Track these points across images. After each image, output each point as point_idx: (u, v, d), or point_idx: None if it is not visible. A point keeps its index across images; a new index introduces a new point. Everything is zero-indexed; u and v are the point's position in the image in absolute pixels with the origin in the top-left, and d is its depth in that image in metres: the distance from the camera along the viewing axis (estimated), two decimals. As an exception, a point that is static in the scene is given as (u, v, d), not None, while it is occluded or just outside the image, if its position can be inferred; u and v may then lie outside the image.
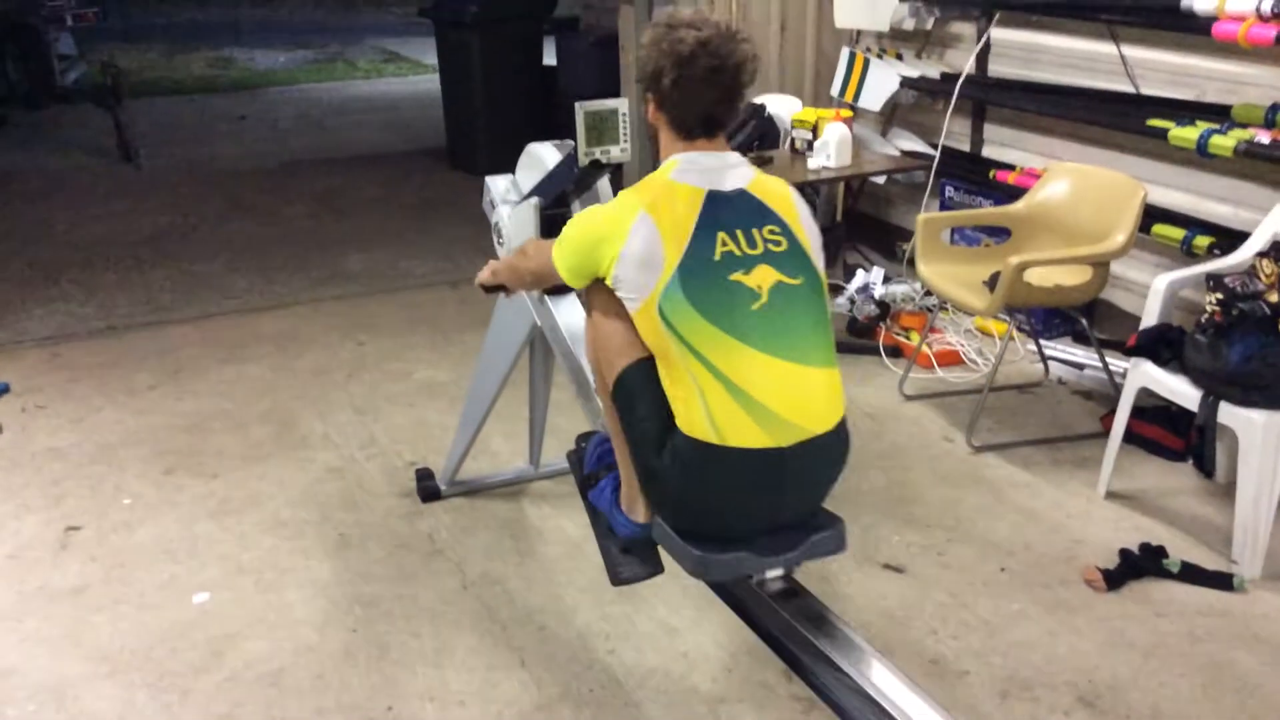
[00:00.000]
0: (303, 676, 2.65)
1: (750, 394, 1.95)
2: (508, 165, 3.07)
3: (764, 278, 2.00)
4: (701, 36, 2.01)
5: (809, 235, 2.10)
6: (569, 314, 2.82)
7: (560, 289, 2.85)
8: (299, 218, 6.84)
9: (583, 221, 2.13)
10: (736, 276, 1.98)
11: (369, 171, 7.99)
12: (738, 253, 1.99)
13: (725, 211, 2.02)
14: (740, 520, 2.07)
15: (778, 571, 2.20)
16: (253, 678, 2.65)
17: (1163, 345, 3.14)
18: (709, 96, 2.05)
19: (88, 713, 2.54)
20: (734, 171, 2.09)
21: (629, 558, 2.29)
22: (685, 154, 2.09)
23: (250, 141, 9.19)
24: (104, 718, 2.52)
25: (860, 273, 4.93)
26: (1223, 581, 2.88)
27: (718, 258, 1.98)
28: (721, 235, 1.99)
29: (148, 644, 2.78)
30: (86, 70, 9.50)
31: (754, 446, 1.96)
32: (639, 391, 2.06)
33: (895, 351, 4.40)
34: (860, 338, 4.55)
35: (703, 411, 1.96)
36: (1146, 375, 3.15)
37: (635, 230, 1.99)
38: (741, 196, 2.06)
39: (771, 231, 2.04)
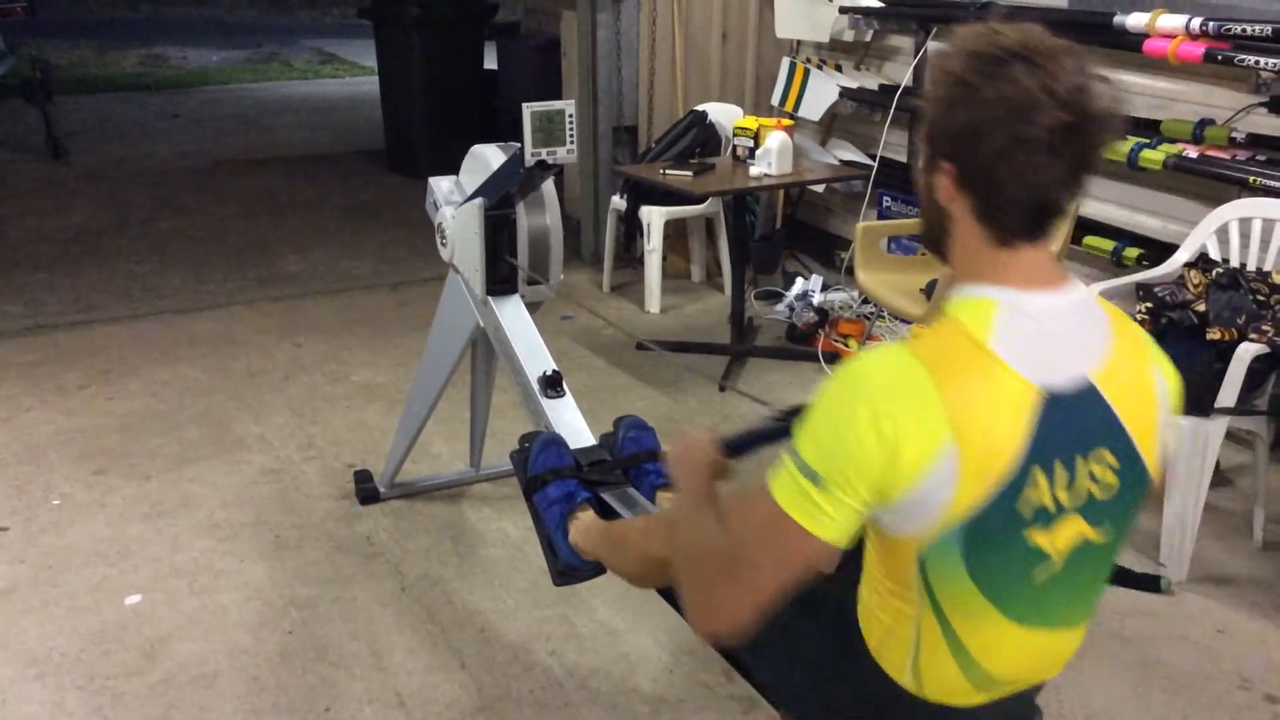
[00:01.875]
0: (238, 679, 2.61)
1: (980, 663, 1.41)
2: (448, 168, 3.07)
3: (1067, 536, 1.35)
4: (1047, 78, 1.24)
5: (1157, 443, 1.39)
6: (513, 315, 2.82)
7: (504, 287, 2.85)
8: (234, 218, 6.75)
9: (835, 433, 1.28)
10: (1036, 538, 1.33)
11: (306, 173, 7.91)
12: (1050, 505, 1.31)
13: (1058, 433, 1.29)
14: None
15: None
16: (186, 680, 2.61)
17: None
18: (1055, 174, 1.26)
19: (17, 716, 2.49)
20: (1077, 331, 1.34)
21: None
22: (1009, 291, 1.30)
23: (183, 140, 9.05)
24: (33, 721, 2.47)
25: (799, 280, 4.98)
26: (1151, 584, 2.92)
27: (1024, 511, 1.30)
28: (1040, 476, 1.29)
29: (78, 646, 2.72)
30: (14, 64, 9.28)
31: (958, 705, 1.46)
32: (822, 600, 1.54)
33: (834, 358, 4.45)
34: (799, 344, 4.60)
35: (908, 659, 1.43)
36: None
37: (935, 472, 1.25)
38: (1087, 401, 1.31)
39: (1105, 463, 1.34)
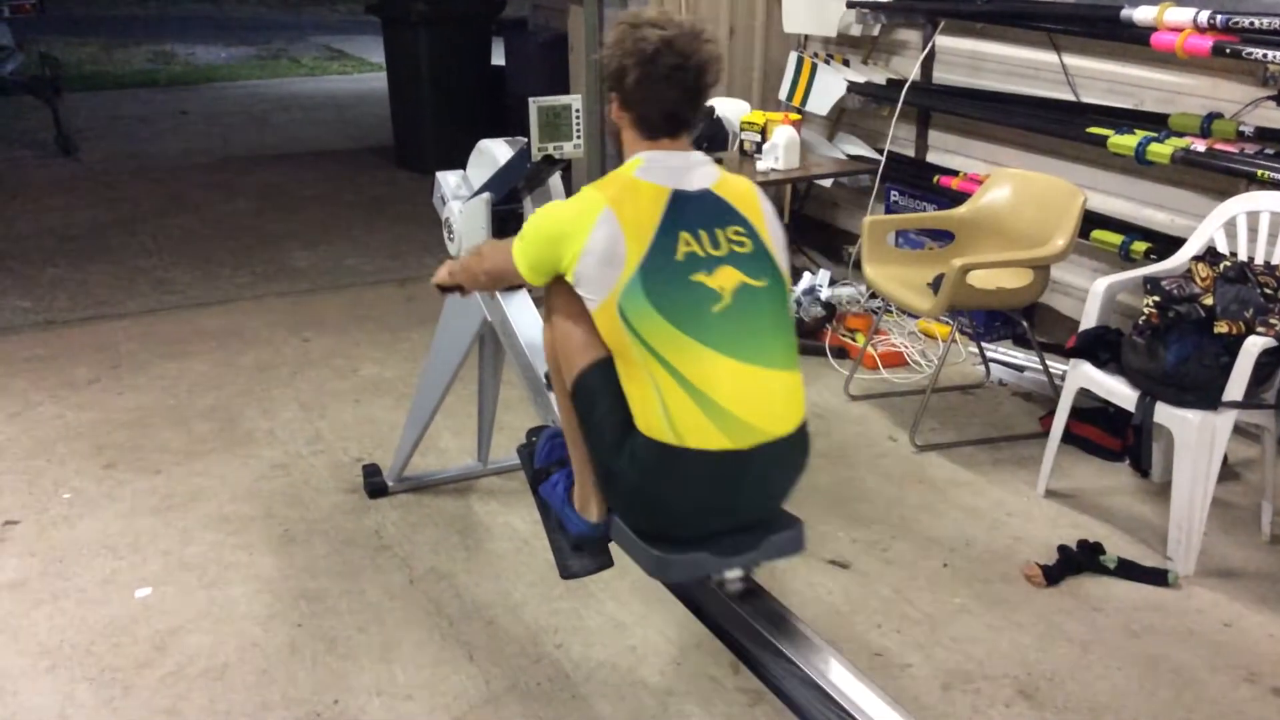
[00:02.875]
0: (247, 671, 2.63)
1: (710, 396, 1.93)
2: (455, 164, 3.07)
3: (727, 279, 1.97)
4: (666, 35, 1.99)
5: (774, 236, 2.07)
6: (519, 310, 2.83)
7: (512, 285, 2.86)
8: (242, 214, 6.76)
9: (545, 217, 2.09)
10: (699, 277, 1.95)
11: (314, 168, 7.92)
12: (700, 253, 1.96)
13: (689, 211, 1.99)
14: (699, 521, 2.05)
15: (737, 572, 2.16)
16: (196, 672, 2.62)
17: (1101, 347, 3.21)
18: (672, 95, 2.02)
19: (27, 708, 2.50)
20: (699, 171, 2.06)
21: (579, 552, 2.30)
22: (649, 153, 2.06)
23: (192, 136, 9.06)
24: (44, 712, 2.48)
25: (807, 275, 4.98)
26: (1158, 577, 2.95)
27: (680, 258, 1.95)
28: (685, 235, 1.96)
29: (88, 638, 2.74)
30: (24, 62, 9.30)
31: (713, 449, 1.94)
32: (598, 392, 2.04)
33: (841, 353, 4.45)
34: (806, 339, 4.60)
35: (661, 413, 1.93)
36: (1085, 376, 3.22)
37: (598, 226, 1.95)
38: (706, 196, 2.03)
39: (736, 232, 2.01)
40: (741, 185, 2.11)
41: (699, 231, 1.97)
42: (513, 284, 2.47)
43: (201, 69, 12.70)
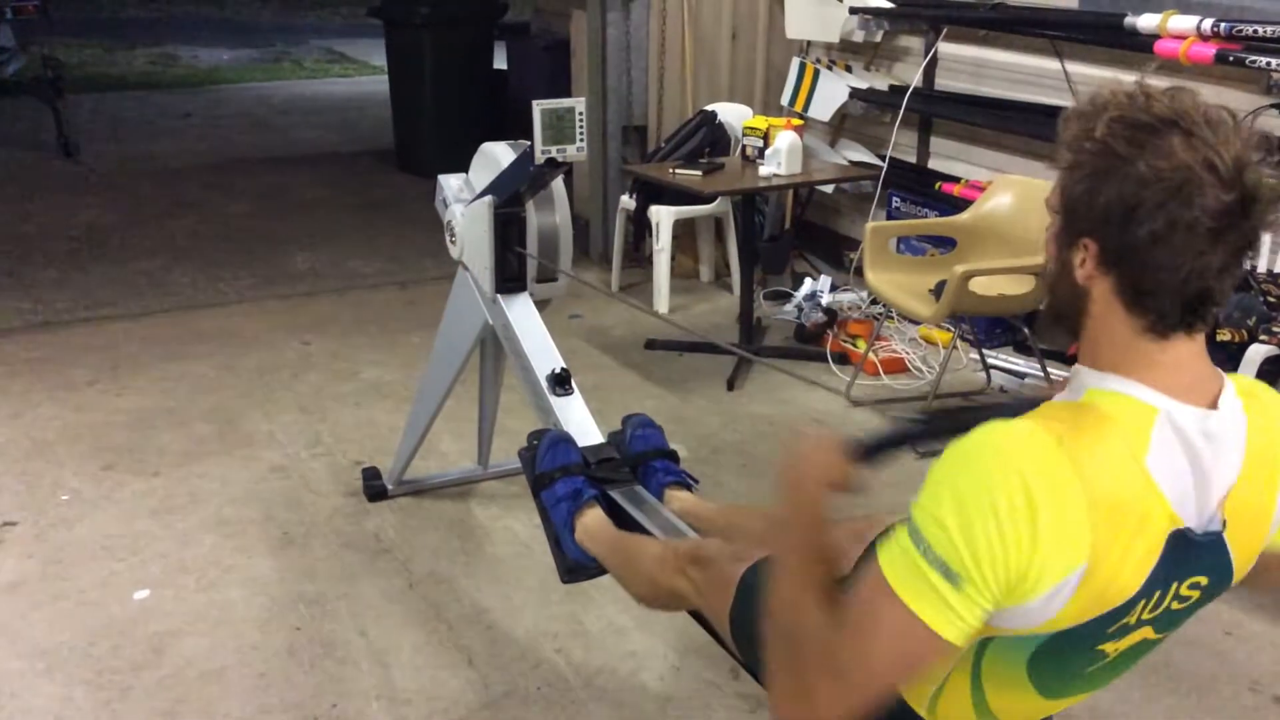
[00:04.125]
0: (245, 674, 2.62)
1: (994, 714, 1.33)
2: (456, 168, 3.08)
3: (1132, 641, 1.27)
4: (1209, 152, 1.10)
5: (1259, 549, 1.28)
6: (522, 312, 2.82)
7: (514, 287, 2.85)
8: (243, 216, 6.76)
9: (992, 516, 1.10)
10: (1107, 646, 1.25)
11: (315, 171, 7.92)
12: (1132, 621, 1.22)
13: (1177, 569, 1.19)
14: None
15: None
16: (194, 675, 2.61)
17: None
18: (1212, 259, 1.13)
19: (26, 709, 2.49)
20: (1221, 456, 1.18)
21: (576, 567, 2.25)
22: (1167, 401, 1.16)
23: (193, 139, 9.07)
24: (42, 715, 2.48)
25: (808, 280, 4.98)
26: (1159, 585, 2.93)
27: (1110, 630, 1.22)
28: (1143, 603, 1.20)
29: (87, 640, 2.73)
30: (26, 63, 9.30)
31: None
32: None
33: (842, 358, 4.45)
34: (807, 345, 4.59)
35: (929, 693, 1.34)
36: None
37: (1061, 586, 1.13)
38: (1210, 548, 1.21)
39: (1198, 586, 1.23)
40: (1264, 491, 1.25)
41: (1156, 595, 1.20)
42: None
43: (203, 71, 12.71)
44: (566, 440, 2.36)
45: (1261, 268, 3.18)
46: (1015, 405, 1.24)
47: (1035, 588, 1.12)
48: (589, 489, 2.26)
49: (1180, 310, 1.15)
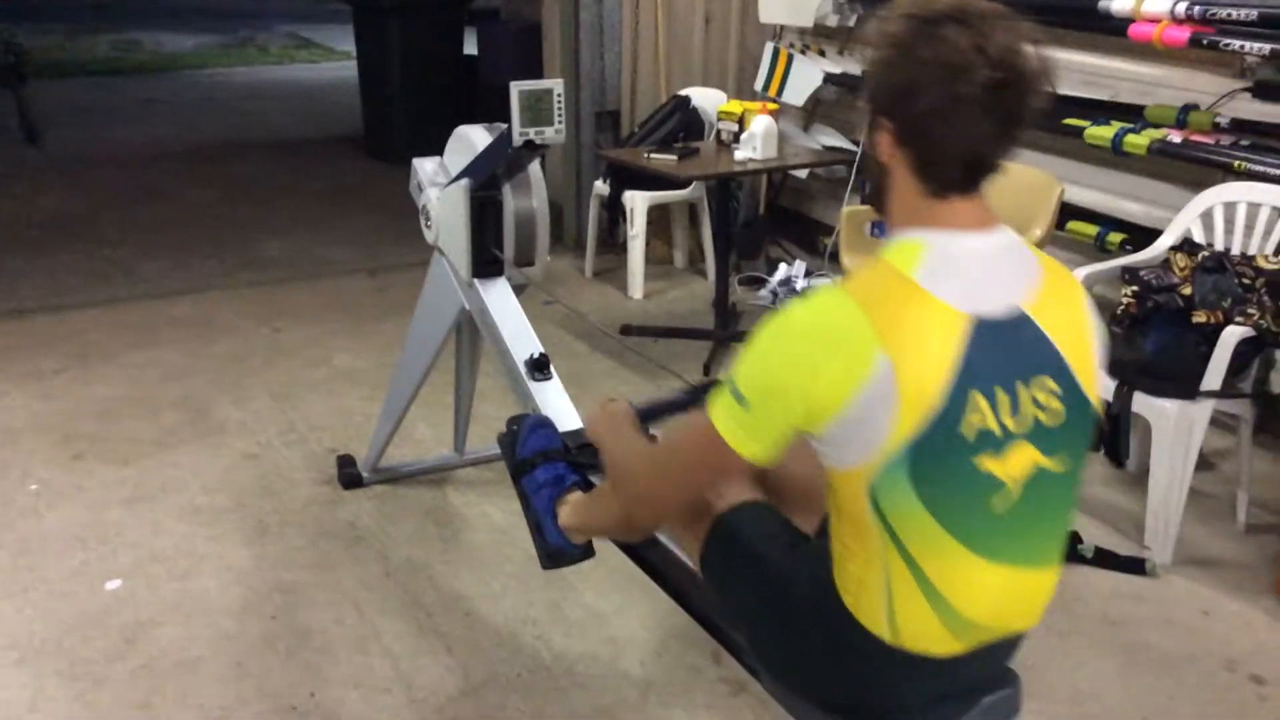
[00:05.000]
0: (222, 664, 2.59)
1: (954, 605, 1.43)
2: (427, 154, 3.04)
3: (1020, 464, 1.39)
4: (980, 37, 1.31)
5: (1094, 373, 1.46)
6: (499, 297, 2.79)
7: (491, 269, 2.83)
8: (210, 203, 6.68)
9: (780, 357, 1.39)
10: (986, 464, 1.37)
11: (283, 158, 7.84)
12: (995, 429, 1.36)
13: (993, 357, 1.36)
14: (893, 703, 1.56)
15: None
16: (169, 665, 2.58)
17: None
18: (984, 129, 1.34)
19: (-4, 702, 2.46)
20: (1007, 269, 1.42)
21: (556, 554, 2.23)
22: (937, 233, 1.39)
23: (158, 125, 8.96)
24: (14, 706, 2.43)
25: (783, 266, 4.97)
26: (1136, 567, 2.96)
27: (968, 435, 1.35)
28: (979, 400, 1.35)
29: (59, 631, 2.68)
30: (-15, 48, 9.17)
31: (935, 654, 1.47)
32: (753, 538, 1.65)
33: (817, 343, 4.44)
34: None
35: (883, 608, 1.45)
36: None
37: (869, 387, 1.32)
38: (1019, 327, 1.39)
39: (1047, 390, 1.40)
40: (1068, 298, 1.46)
41: (998, 393, 1.36)
42: (722, 481, 1.69)
43: (167, 57, 12.57)
44: (546, 425, 2.33)
45: (1236, 250, 3.19)
46: None
47: (841, 388, 1.33)
48: (570, 474, 2.23)
49: (959, 173, 1.37)
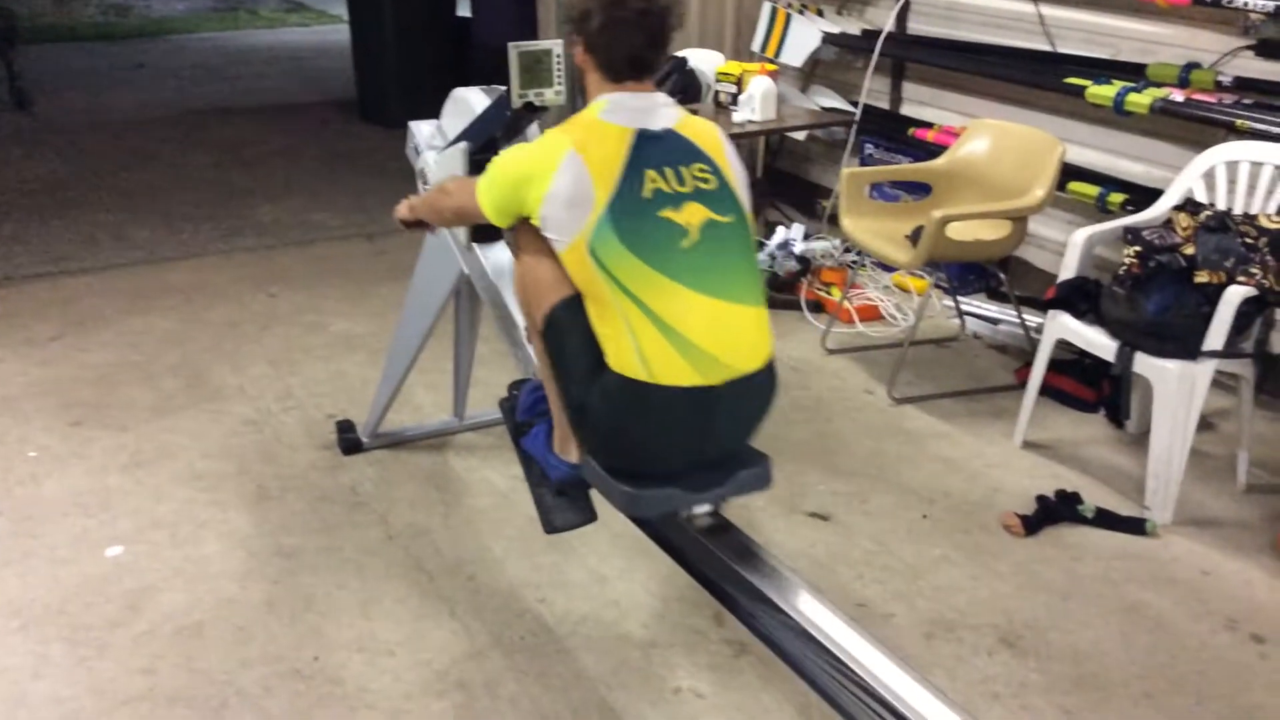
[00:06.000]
0: (224, 629, 2.59)
1: (681, 332, 1.95)
2: (420, 117, 3.01)
3: (694, 215, 2.00)
4: None
5: (737, 175, 2.11)
6: (497, 262, 2.77)
7: (489, 234, 2.81)
8: (203, 168, 6.63)
9: (508, 159, 2.11)
10: (667, 214, 1.98)
11: (276, 122, 7.78)
12: (667, 189, 1.99)
13: (654, 150, 2.01)
14: (669, 456, 2.08)
15: (706, 507, 2.18)
16: (172, 630, 2.58)
17: (1080, 297, 3.20)
18: (637, 39, 2.04)
19: (1, 668, 2.45)
20: (662, 111, 2.08)
21: (562, 503, 2.27)
22: (614, 95, 2.07)
23: (149, 90, 8.88)
24: (18, 673, 2.43)
25: (780, 229, 4.94)
26: (1136, 526, 2.97)
27: (648, 195, 1.97)
28: (651, 173, 1.99)
29: (61, 598, 2.68)
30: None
31: (685, 385, 1.96)
32: (568, 329, 2.05)
33: (817, 306, 4.44)
34: (782, 293, 4.57)
35: (633, 349, 1.96)
36: (1064, 327, 3.21)
37: (563, 169, 1.97)
38: (670, 135, 2.05)
39: (700, 170, 2.04)
40: (704, 125, 2.13)
41: (664, 169, 2.00)
42: (476, 223, 2.46)
43: (157, 21, 12.44)
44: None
45: (1238, 209, 3.18)
46: None
47: (542, 172, 1.99)
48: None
49: (624, 68, 2.06)
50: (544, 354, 2.13)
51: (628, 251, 1.95)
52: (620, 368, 1.98)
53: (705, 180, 2.03)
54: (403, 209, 2.61)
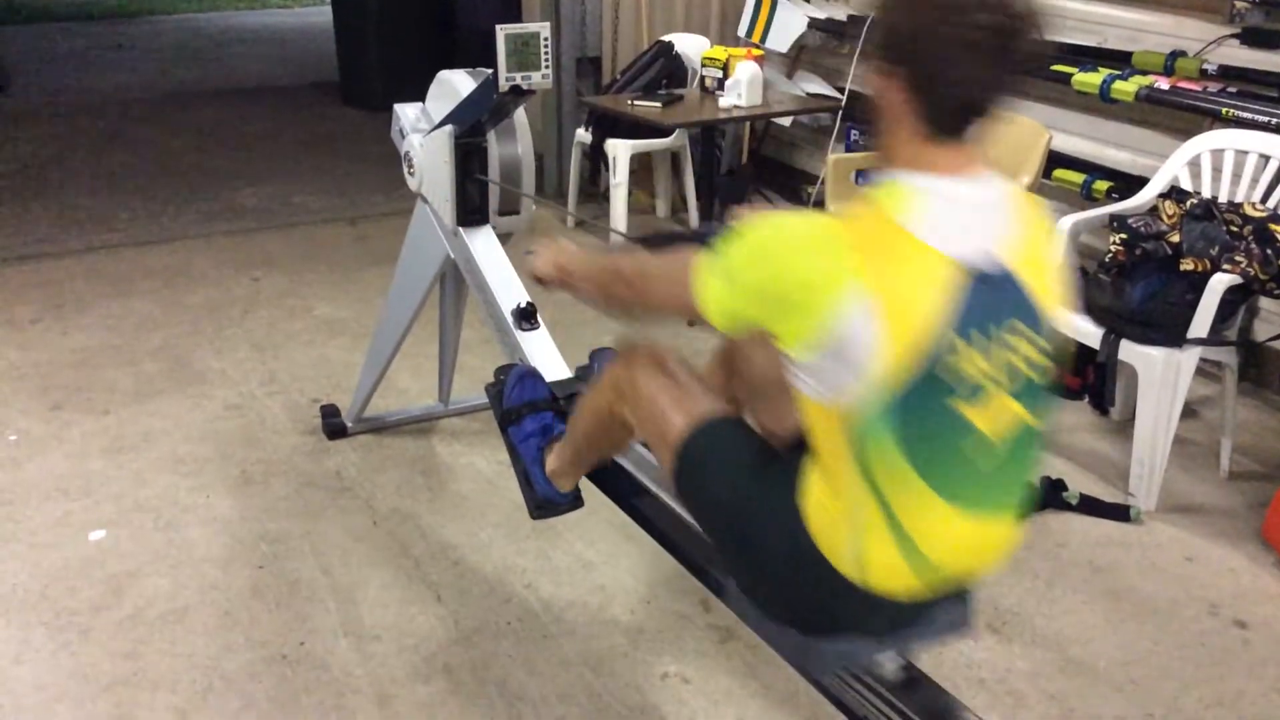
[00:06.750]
0: (209, 614, 2.57)
1: (921, 548, 1.45)
2: (404, 100, 2.98)
3: (1000, 416, 1.42)
4: None
5: (1063, 327, 1.51)
6: (485, 246, 2.76)
7: (476, 220, 2.79)
8: (184, 150, 6.58)
9: (766, 258, 1.41)
10: (963, 408, 1.39)
11: (257, 105, 7.73)
12: (974, 375, 1.38)
13: (978, 307, 1.37)
14: (855, 630, 1.60)
15: (893, 657, 1.73)
16: (155, 616, 2.56)
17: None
18: (986, 72, 1.35)
19: (-19, 653, 2.44)
20: (990, 215, 1.42)
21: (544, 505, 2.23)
22: (929, 179, 1.39)
23: (129, 72, 8.80)
24: (0, 658, 2.42)
25: (765, 214, 4.94)
26: (1120, 513, 2.98)
27: (948, 379, 1.37)
28: (961, 344, 1.37)
29: (42, 582, 2.66)
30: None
31: (899, 591, 1.50)
32: (729, 451, 1.67)
33: (801, 292, 4.43)
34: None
35: (848, 545, 1.48)
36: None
37: (845, 317, 1.33)
38: (1007, 281, 1.40)
39: (1027, 338, 1.42)
40: (1039, 240, 1.48)
41: (975, 337, 1.38)
42: (679, 319, 1.66)
43: (137, 2, 12.32)
44: (534, 375, 2.32)
45: (1223, 197, 3.19)
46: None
47: (812, 306, 1.35)
48: (558, 424, 2.23)
49: (954, 118, 1.38)
50: (671, 460, 1.72)
51: (901, 456, 1.39)
52: (826, 549, 1.51)
53: (1028, 358, 1.42)
54: (548, 266, 1.93)
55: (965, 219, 1.39)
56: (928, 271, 1.35)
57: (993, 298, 1.38)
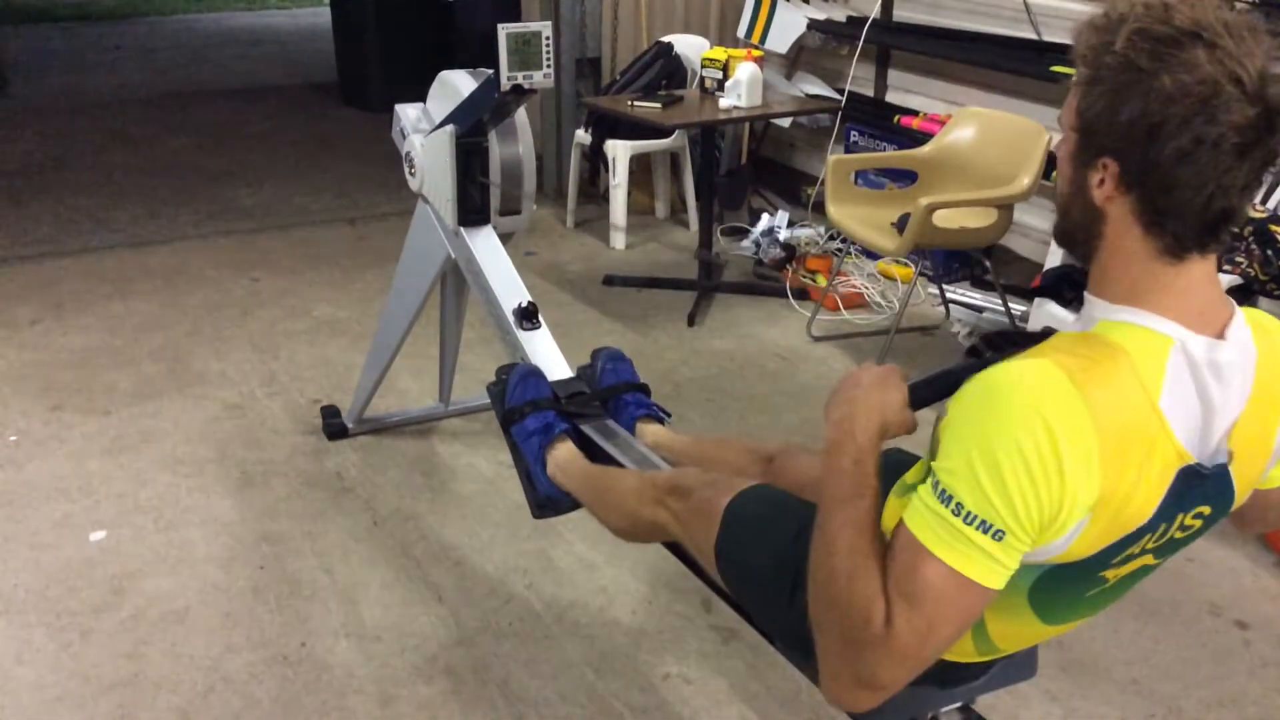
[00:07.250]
0: (210, 614, 2.57)
1: (995, 643, 1.35)
2: (402, 100, 2.98)
3: (1132, 566, 1.26)
4: (1232, 63, 1.06)
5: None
6: (486, 246, 2.75)
7: (477, 220, 2.79)
8: (183, 151, 6.58)
9: (1007, 488, 1.09)
10: (1108, 573, 1.25)
11: (257, 106, 7.72)
12: (1136, 550, 1.22)
13: (1183, 501, 1.18)
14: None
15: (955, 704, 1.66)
16: (156, 616, 2.56)
17: (1067, 286, 3.20)
18: (1235, 174, 1.09)
19: (-18, 654, 2.43)
20: (1231, 388, 1.16)
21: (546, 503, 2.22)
22: (1182, 331, 1.13)
23: (128, 72, 8.80)
24: (1, 658, 2.41)
25: (765, 216, 4.94)
26: (1121, 514, 2.97)
27: (1111, 559, 1.21)
28: (1146, 537, 1.20)
29: (43, 583, 2.66)
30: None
31: (955, 663, 1.40)
32: (765, 529, 1.56)
33: (801, 294, 4.43)
34: (767, 280, 4.57)
35: None
36: (1050, 315, 3.22)
37: (1082, 521, 1.12)
38: (1216, 477, 1.19)
39: (1200, 516, 1.22)
40: (1266, 425, 1.23)
41: (1161, 527, 1.20)
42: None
43: (136, 2, 12.32)
44: (536, 374, 2.32)
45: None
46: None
47: (1064, 525, 1.11)
48: (560, 423, 2.22)
49: (1199, 231, 1.12)
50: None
51: (1026, 603, 1.25)
52: None
53: (1189, 528, 1.23)
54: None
55: (1215, 398, 1.14)
56: (1164, 470, 1.13)
57: (1198, 491, 1.18)
